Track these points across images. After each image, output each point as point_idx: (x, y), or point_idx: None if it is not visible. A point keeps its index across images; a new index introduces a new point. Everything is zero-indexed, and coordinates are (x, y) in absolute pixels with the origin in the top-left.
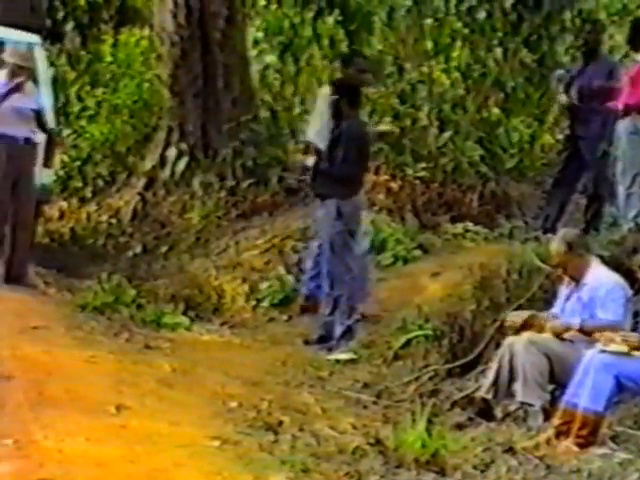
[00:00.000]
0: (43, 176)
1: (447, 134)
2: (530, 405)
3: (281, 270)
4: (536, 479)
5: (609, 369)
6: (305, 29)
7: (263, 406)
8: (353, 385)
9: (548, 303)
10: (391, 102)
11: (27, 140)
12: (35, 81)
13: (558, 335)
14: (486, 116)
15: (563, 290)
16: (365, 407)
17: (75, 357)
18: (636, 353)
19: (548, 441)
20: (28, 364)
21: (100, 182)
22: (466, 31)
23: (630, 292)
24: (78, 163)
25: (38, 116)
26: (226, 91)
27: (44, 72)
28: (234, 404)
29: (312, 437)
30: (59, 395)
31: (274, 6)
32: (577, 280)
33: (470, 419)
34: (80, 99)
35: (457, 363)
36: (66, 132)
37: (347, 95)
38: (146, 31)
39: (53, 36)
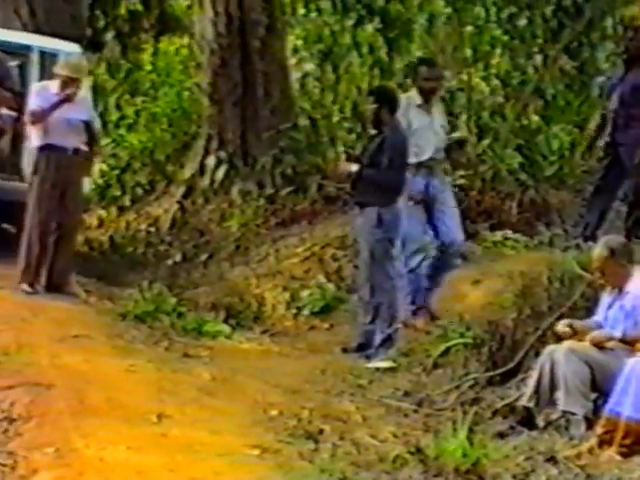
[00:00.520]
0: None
1: (486, 142)
2: (572, 414)
3: (321, 278)
4: None
5: None
6: (344, 37)
7: (303, 414)
8: (393, 393)
9: (590, 311)
10: None
11: (76, 150)
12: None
13: (599, 345)
14: (525, 124)
15: (605, 298)
16: (406, 415)
17: (115, 366)
18: None
19: (591, 450)
20: (68, 373)
21: (139, 190)
22: (506, 38)
23: None
24: (117, 172)
25: (88, 127)
26: (265, 99)
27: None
28: (274, 412)
29: (352, 446)
30: (100, 404)
31: (314, 14)
32: (619, 288)
33: (512, 428)
34: (119, 108)
35: (497, 371)
36: (105, 141)
37: (386, 102)
38: (186, 39)
39: (93, 45)
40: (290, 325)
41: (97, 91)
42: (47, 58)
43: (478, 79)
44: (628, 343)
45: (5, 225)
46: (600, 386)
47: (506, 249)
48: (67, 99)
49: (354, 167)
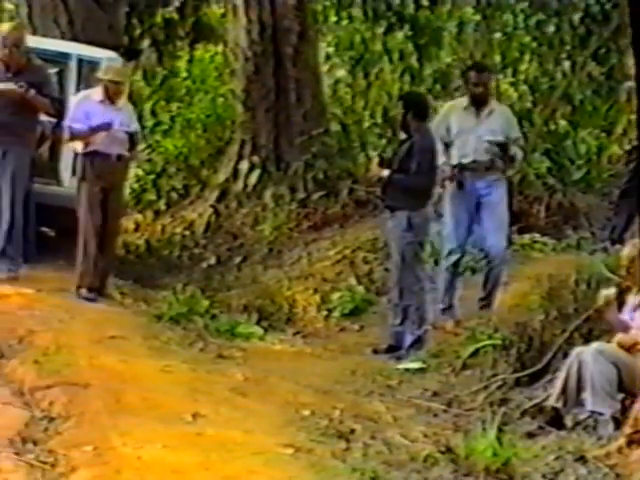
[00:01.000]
0: None
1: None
2: (600, 414)
3: (352, 281)
4: None
5: None
6: (375, 44)
7: (335, 414)
8: (423, 394)
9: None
10: None
11: (119, 157)
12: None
13: (626, 348)
14: (553, 128)
15: (631, 299)
16: (435, 415)
17: (151, 366)
18: None
19: (620, 450)
20: (105, 373)
21: (174, 195)
22: (534, 45)
23: None
24: (152, 176)
25: (131, 136)
26: (298, 105)
27: None
28: (306, 412)
29: (384, 445)
30: (136, 403)
31: (345, 22)
32: None
33: (540, 428)
34: (154, 114)
35: (525, 372)
36: (140, 146)
37: (414, 108)
38: (220, 47)
39: (130, 53)
40: (321, 327)
41: (133, 98)
42: (85, 65)
43: (507, 85)
44: None
45: (44, 229)
46: (628, 386)
47: (534, 252)
48: (109, 126)
49: (385, 172)
